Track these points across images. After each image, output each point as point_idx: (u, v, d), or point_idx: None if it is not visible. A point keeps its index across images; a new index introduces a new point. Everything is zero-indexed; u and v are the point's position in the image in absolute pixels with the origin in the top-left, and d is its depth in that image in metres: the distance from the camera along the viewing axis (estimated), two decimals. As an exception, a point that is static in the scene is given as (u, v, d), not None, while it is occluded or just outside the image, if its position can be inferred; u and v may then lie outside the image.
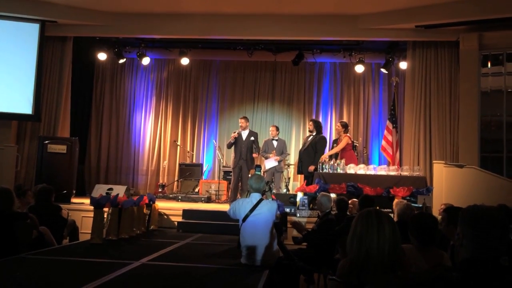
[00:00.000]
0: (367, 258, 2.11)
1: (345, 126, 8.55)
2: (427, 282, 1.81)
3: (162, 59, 11.81)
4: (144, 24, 9.44)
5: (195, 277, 4.13)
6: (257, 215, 4.34)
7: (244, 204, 4.45)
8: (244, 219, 4.35)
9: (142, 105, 11.77)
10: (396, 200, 6.35)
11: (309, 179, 8.05)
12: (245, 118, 8.93)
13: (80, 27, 9.53)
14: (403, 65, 9.97)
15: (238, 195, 8.81)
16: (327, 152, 8.47)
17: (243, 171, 8.57)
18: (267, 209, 4.38)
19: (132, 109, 11.71)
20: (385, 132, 9.52)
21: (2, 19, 8.97)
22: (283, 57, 10.87)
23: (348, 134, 8.52)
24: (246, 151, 8.58)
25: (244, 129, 8.74)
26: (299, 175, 9.35)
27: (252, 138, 8.68)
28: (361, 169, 7.72)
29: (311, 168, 8.14)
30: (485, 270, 1.78)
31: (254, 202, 4.41)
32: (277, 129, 9.18)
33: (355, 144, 9.17)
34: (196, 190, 10.34)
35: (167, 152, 11.59)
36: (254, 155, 8.69)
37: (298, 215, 7.23)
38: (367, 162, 10.02)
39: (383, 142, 9.50)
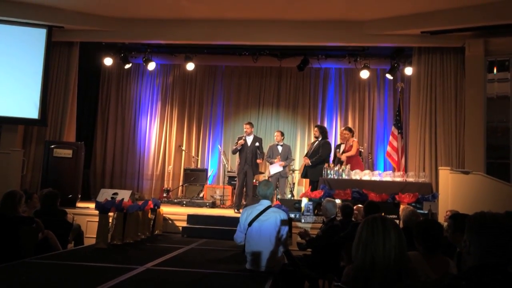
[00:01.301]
0: (373, 265, 2.10)
1: (352, 131, 8.59)
2: None
3: (167, 64, 11.86)
4: (150, 29, 9.49)
5: (200, 283, 4.13)
6: (263, 221, 4.34)
7: (249, 211, 4.47)
8: (250, 224, 4.35)
9: (148, 110, 11.81)
10: (402, 207, 6.32)
11: (314, 184, 8.04)
12: (249, 123, 8.94)
13: (86, 32, 9.60)
14: (408, 71, 9.96)
15: (243, 201, 8.80)
16: (344, 154, 8.38)
17: (248, 176, 8.58)
18: (274, 216, 4.38)
19: (138, 114, 11.75)
20: (390, 138, 9.49)
21: (10, 24, 9.05)
22: (288, 62, 10.89)
23: (355, 139, 8.53)
24: (251, 157, 8.59)
25: (249, 134, 8.75)
26: (304, 180, 9.34)
27: (257, 144, 8.69)
28: (366, 175, 7.69)
29: (306, 160, 8.33)
30: (492, 278, 1.77)
31: (261, 208, 4.42)
32: (282, 134, 9.18)
33: (360, 150, 9.18)
34: (201, 195, 10.34)
35: (172, 157, 11.61)
36: (258, 160, 8.68)
37: (303, 220, 7.22)
38: (372, 168, 10.00)
39: (388, 148, 9.47)
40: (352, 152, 8.30)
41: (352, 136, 8.50)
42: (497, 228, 1.82)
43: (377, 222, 2.18)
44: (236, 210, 8.49)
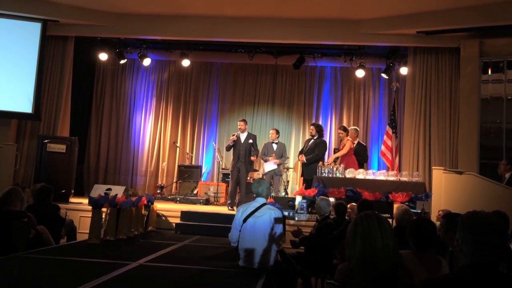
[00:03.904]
0: (373, 256, 2.11)
1: (346, 130, 8.60)
2: None
3: (163, 60, 11.82)
4: (146, 25, 9.45)
5: (193, 279, 4.13)
6: (258, 217, 4.35)
7: (244, 207, 4.48)
8: (245, 220, 4.36)
9: (142, 106, 11.77)
10: (397, 205, 6.34)
11: (308, 182, 8.06)
12: (243, 120, 8.93)
13: (82, 27, 9.54)
14: (403, 70, 9.98)
15: (237, 197, 8.79)
16: (332, 156, 8.47)
17: (241, 173, 8.56)
18: (269, 213, 4.39)
19: (132, 110, 11.71)
20: (385, 137, 9.52)
21: (4, 17, 8.98)
22: (284, 60, 10.88)
23: (349, 138, 8.54)
24: (244, 154, 8.58)
25: (243, 131, 8.74)
26: (298, 178, 9.37)
27: (251, 141, 8.68)
28: (360, 174, 7.72)
29: (302, 158, 8.32)
30: (484, 276, 1.78)
31: (257, 205, 4.43)
32: (277, 132, 9.18)
33: (364, 145, 9.27)
34: (195, 192, 10.33)
35: (166, 153, 11.59)
36: (252, 158, 8.67)
37: (296, 218, 7.24)
38: (366, 167, 10.02)
39: (383, 147, 9.51)
40: (344, 151, 8.30)
41: (347, 135, 8.52)
42: (489, 227, 1.84)
43: (372, 217, 2.22)
44: (230, 208, 8.48)
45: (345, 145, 8.38)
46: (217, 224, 7.25)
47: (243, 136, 8.70)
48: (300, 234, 5.27)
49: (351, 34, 9.16)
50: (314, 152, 8.32)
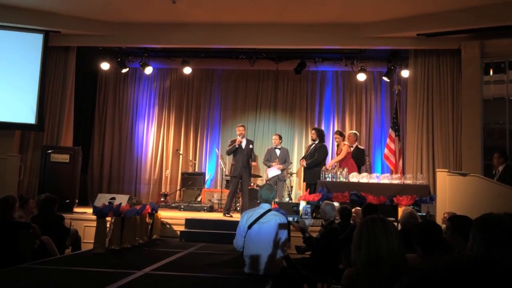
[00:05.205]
0: (379, 259, 2.10)
1: (342, 135, 8.62)
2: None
3: (164, 68, 11.85)
4: (147, 33, 9.48)
5: (198, 287, 4.12)
6: (263, 224, 4.35)
7: (249, 214, 4.47)
8: (250, 226, 4.35)
9: (145, 114, 11.80)
10: (402, 208, 6.32)
11: (311, 187, 8.05)
12: (243, 126, 8.88)
13: (83, 37, 9.58)
14: (405, 73, 9.98)
15: (239, 202, 8.76)
16: (330, 162, 8.50)
17: (243, 179, 8.52)
18: (274, 219, 4.38)
19: (135, 118, 11.73)
20: (388, 140, 9.51)
21: (6, 29, 9.03)
22: (285, 65, 10.90)
23: (346, 142, 8.54)
24: (246, 159, 8.57)
25: (243, 136, 8.73)
26: (302, 183, 9.36)
27: (251, 146, 8.69)
28: (364, 178, 7.71)
29: (302, 162, 8.35)
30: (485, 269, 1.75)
31: (262, 211, 4.42)
32: (280, 137, 9.18)
33: (362, 149, 9.26)
34: (199, 199, 10.31)
35: (169, 161, 11.59)
36: (253, 163, 8.66)
37: (301, 224, 7.21)
38: (369, 170, 10.00)
39: (386, 151, 9.49)
40: (341, 155, 8.33)
41: (343, 140, 8.56)
42: (499, 227, 1.82)
43: (377, 220, 2.21)
44: (226, 214, 8.39)
45: (342, 149, 8.40)
46: (221, 231, 7.24)
47: (243, 142, 8.67)
48: (306, 230, 5.18)
49: (351, 38, 9.17)
50: (314, 157, 8.32)
